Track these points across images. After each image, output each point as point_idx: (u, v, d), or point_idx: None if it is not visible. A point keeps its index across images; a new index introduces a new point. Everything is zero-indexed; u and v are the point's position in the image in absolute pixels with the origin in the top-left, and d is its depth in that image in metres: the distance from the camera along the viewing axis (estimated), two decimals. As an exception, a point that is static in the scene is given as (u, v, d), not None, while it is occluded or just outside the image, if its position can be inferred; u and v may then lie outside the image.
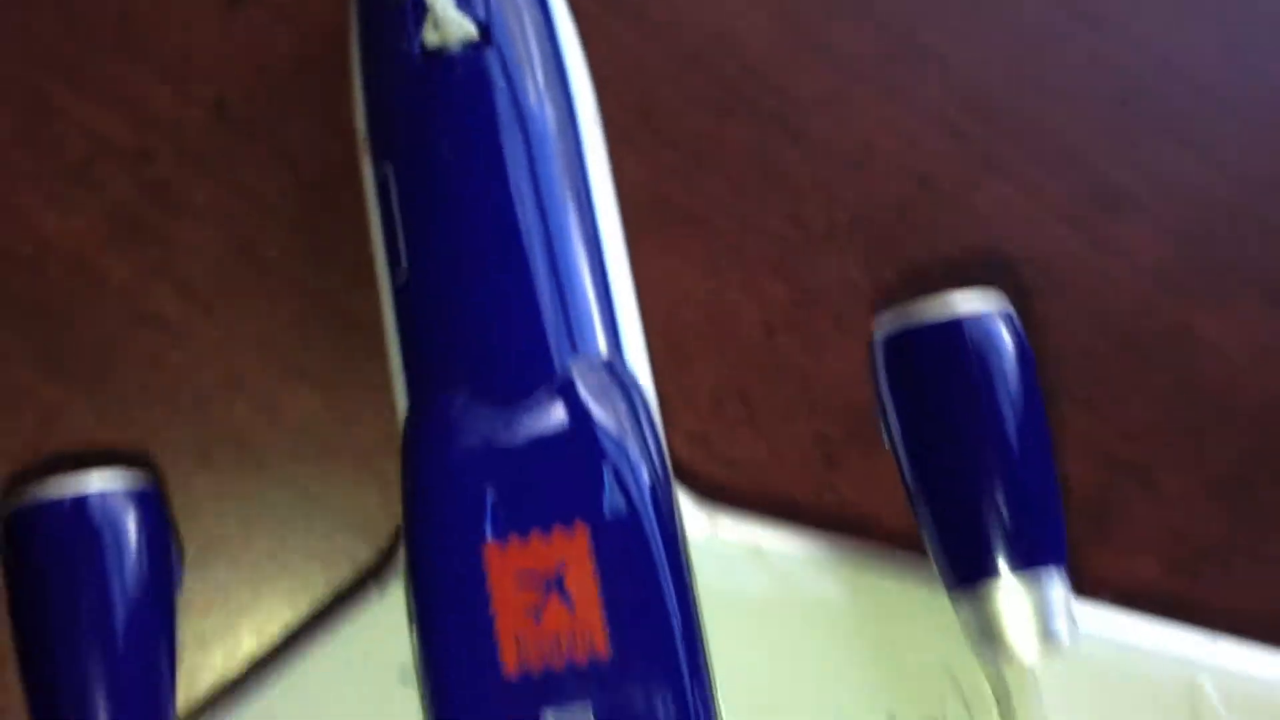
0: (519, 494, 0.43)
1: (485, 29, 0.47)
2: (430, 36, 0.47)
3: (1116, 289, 0.62)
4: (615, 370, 0.46)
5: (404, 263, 0.47)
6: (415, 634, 0.44)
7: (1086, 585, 0.51)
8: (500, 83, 0.47)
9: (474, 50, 0.47)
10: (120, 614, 0.43)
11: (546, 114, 0.48)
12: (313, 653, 0.46)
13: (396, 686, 0.45)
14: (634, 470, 0.44)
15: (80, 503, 0.44)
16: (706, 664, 0.44)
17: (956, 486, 0.44)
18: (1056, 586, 0.43)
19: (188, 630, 0.49)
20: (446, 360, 0.46)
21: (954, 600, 0.44)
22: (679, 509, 0.46)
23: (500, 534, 0.43)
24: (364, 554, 0.53)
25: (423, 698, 0.44)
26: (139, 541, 0.44)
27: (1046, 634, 0.43)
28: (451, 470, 0.44)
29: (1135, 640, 0.46)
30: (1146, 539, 0.59)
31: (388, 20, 0.48)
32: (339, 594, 0.49)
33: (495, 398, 0.45)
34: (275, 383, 0.56)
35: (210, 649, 0.51)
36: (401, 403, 0.47)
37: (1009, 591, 0.43)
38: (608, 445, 0.44)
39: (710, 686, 0.44)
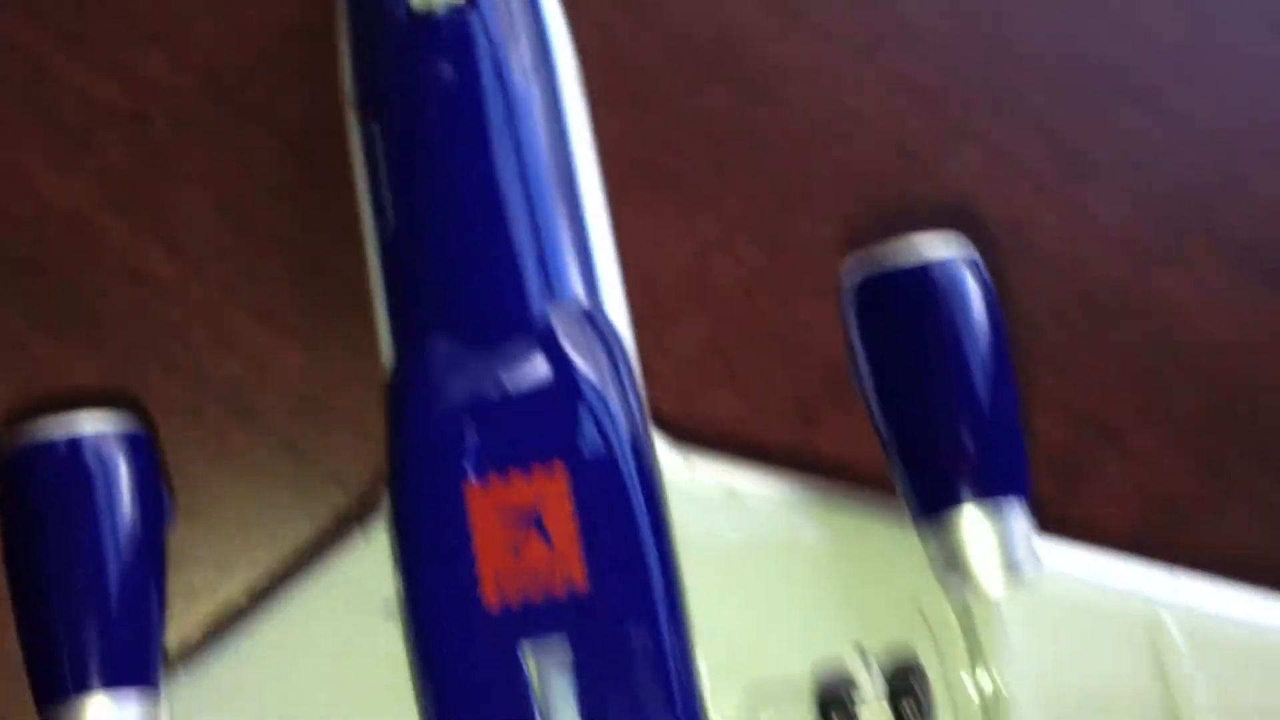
0: (499, 435, 0.45)
1: None
2: (416, 0, 0.49)
3: (1086, 252, 0.63)
4: (593, 317, 0.47)
5: (389, 217, 0.49)
6: (399, 570, 0.45)
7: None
8: (484, 44, 0.49)
9: (459, 13, 0.49)
10: (113, 552, 0.44)
11: (528, 75, 0.49)
12: (300, 592, 0.47)
13: (381, 621, 0.46)
14: (610, 411, 0.45)
15: (74, 444, 0.45)
16: (682, 599, 0.45)
17: (922, 420, 0.45)
18: (1019, 517, 0.44)
19: (176, 579, 0.50)
20: (430, 308, 0.47)
21: (920, 532, 0.45)
22: (655, 450, 0.47)
23: (481, 473, 0.45)
24: (350, 506, 0.54)
25: (406, 631, 0.45)
26: (131, 482, 0.45)
27: (1009, 564, 0.44)
28: (434, 412, 0.45)
29: (1097, 576, 0.47)
30: (1115, 494, 0.60)
31: (375, -16, 0.50)
32: (325, 535, 0.50)
33: (476, 343, 0.46)
34: (265, 341, 0.58)
35: (199, 596, 0.52)
36: (387, 352, 0.49)
37: (972, 520, 0.44)
38: (584, 387, 0.45)
39: (686, 621, 0.45)
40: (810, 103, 0.63)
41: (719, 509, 0.48)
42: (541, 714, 0.43)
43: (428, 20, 0.49)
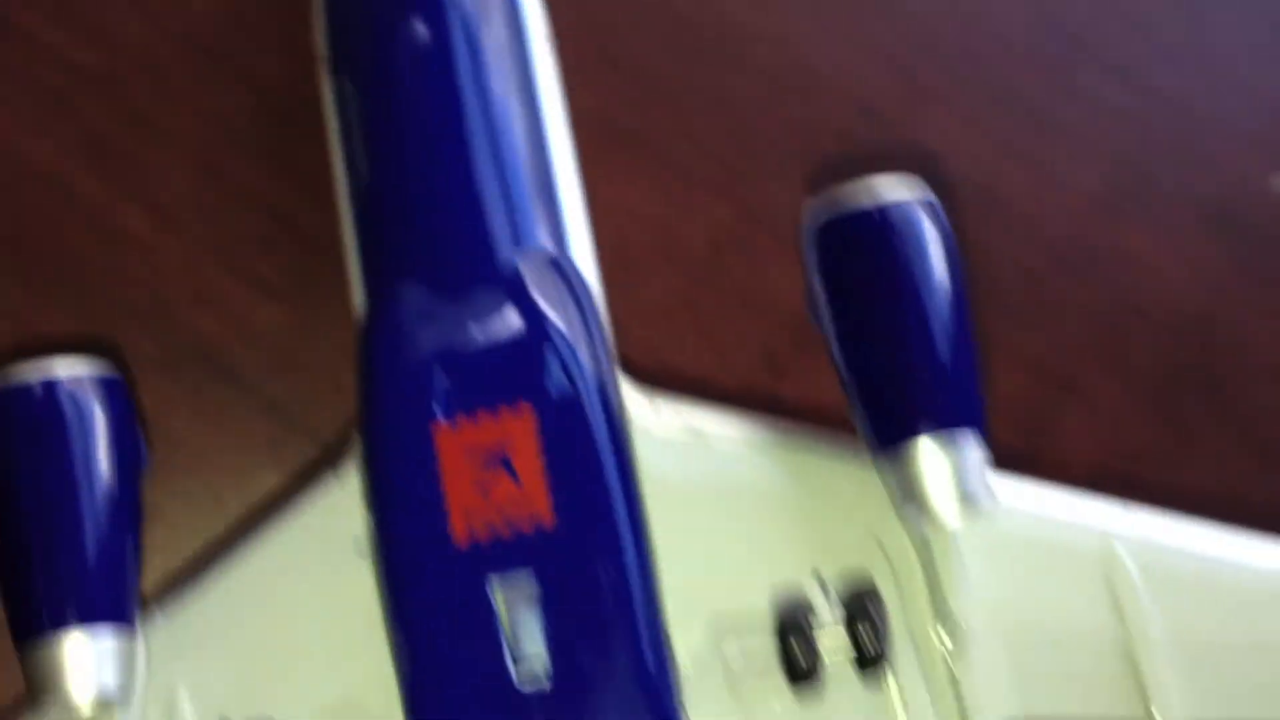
0: (467, 378, 0.46)
1: None
2: None
3: (1052, 212, 0.64)
4: (560, 265, 0.48)
5: (360, 171, 0.50)
6: (370, 509, 0.46)
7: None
8: (454, 2, 0.50)
9: None
10: (88, 493, 0.45)
11: (496, 30, 0.50)
12: (273, 533, 0.48)
13: (352, 559, 0.47)
14: (576, 354, 0.46)
15: (50, 387, 0.46)
16: (646, 535, 0.46)
17: (879, 356, 0.46)
18: (973, 449, 0.45)
19: (150, 530, 0.50)
20: (400, 257, 0.48)
21: (879, 466, 0.46)
22: (620, 392, 0.48)
23: (450, 415, 0.46)
24: (322, 456, 0.55)
25: (376, 568, 0.46)
26: (107, 424, 0.46)
27: (965, 494, 0.45)
28: (404, 356, 0.46)
29: (1053, 511, 0.48)
30: (1076, 444, 0.62)
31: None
32: (297, 481, 0.51)
33: (446, 290, 0.47)
34: (240, 297, 0.59)
35: (172, 545, 0.53)
36: (359, 302, 0.50)
37: (928, 452, 0.45)
38: (551, 331, 0.46)
39: (650, 555, 0.46)
40: (778, 66, 0.64)
41: (684, 450, 0.49)
42: (509, 647, 0.44)
43: None
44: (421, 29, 0.49)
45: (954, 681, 0.46)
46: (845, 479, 0.48)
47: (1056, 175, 0.65)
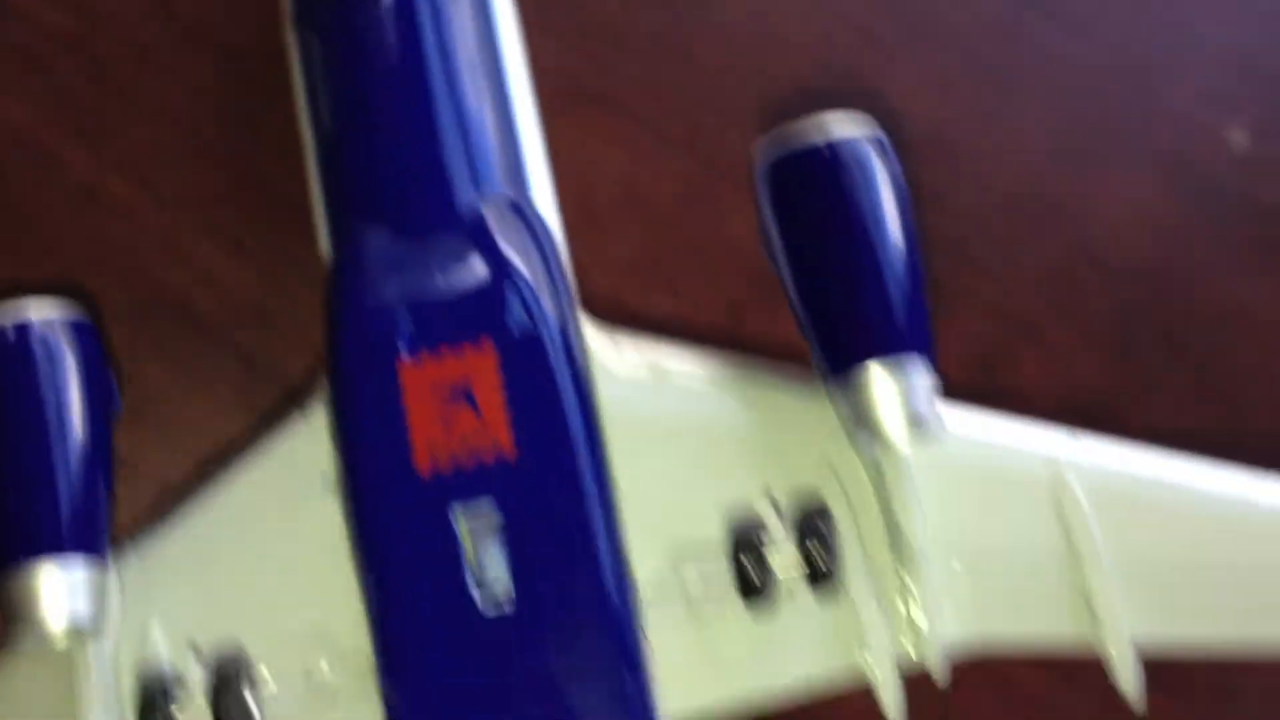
0: (431, 316, 0.47)
1: None
2: None
3: (1007, 164, 0.66)
4: (520, 208, 0.50)
5: (324, 121, 0.51)
6: (336, 443, 0.48)
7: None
8: None
9: None
10: (59, 429, 0.46)
11: None
12: (242, 471, 0.49)
13: (320, 494, 0.48)
14: (536, 291, 0.48)
15: (23, 328, 0.47)
16: (605, 465, 0.47)
17: (830, 285, 0.47)
18: (921, 373, 0.46)
19: (124, 474, 0.51)
20: (364, 204, 0.50)
21: (831, 395, 0.47)
22: (581, 328, 0.49)
23: (413, 351, 0.47)
24: (292, 401, 0.56)
25: (343, 500, 0.47)
26: (77, 364, 0.47)
27: (913, 416, 0.46)
28: (368, 296, 0.48)
29: (1002, 438, 0.50)
30: (1033, 386, 0.63)
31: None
32: (265, 424, 0.52)
33: (409, 233, 0.48)
34: (213, 254, 0.60)
35: (147, 487, 0.54)
36: (326, 249, 0.51)
37: (878, 377, 0.46)
38: (511, 269, 0.48)
39: (609, 485, 0.47)
40: (739, 22, 0.66)
41: (645, 387, 0.50)
42: (472, 573, 0.45)
43: None
44: None
45: (907, 601, 0.47)
46: (803, 411, 0.49)
47: (1012, 128, 0.66)
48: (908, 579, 0.47)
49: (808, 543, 0.46)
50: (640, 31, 0.65)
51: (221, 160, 0.61)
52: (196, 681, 0.46)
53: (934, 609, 0.47)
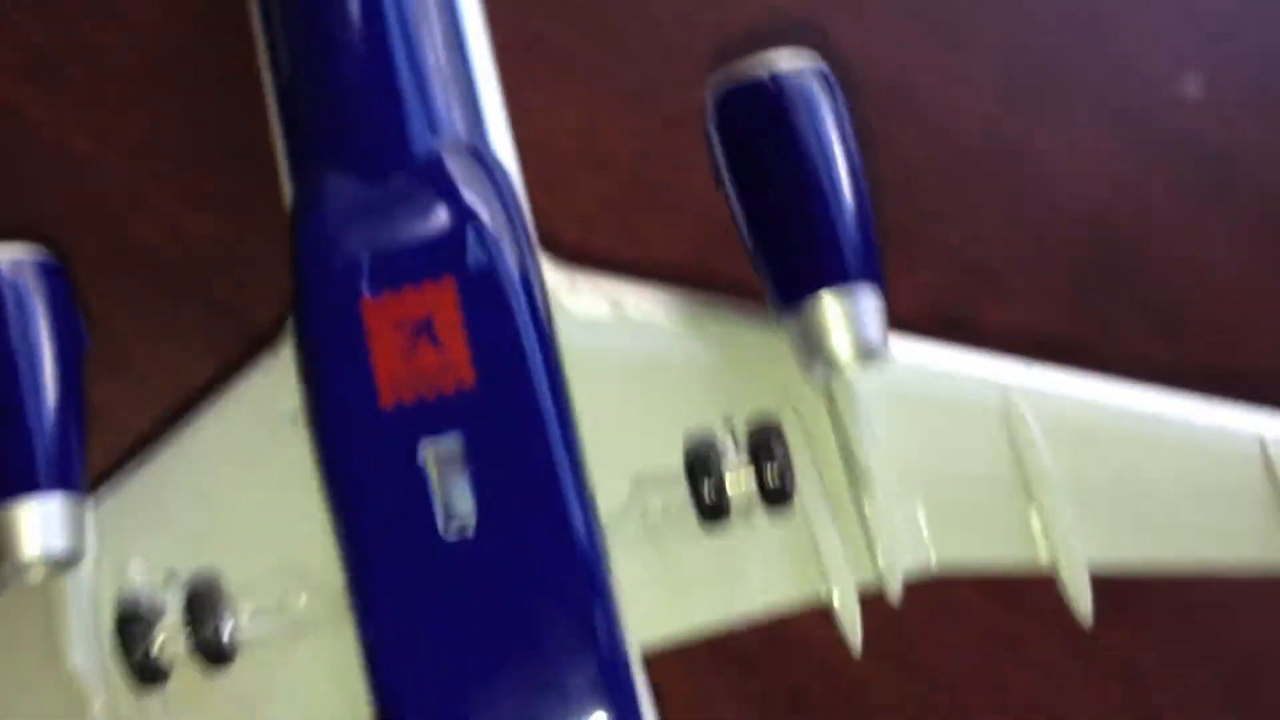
0: (391, 255, 0.48)
1: None
2: None
3: (960, 113, 0.67)
4: (477, 150, 0.51)
5: (283, 66, 0.52)
6: (303, 381, 0.49)
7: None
8: None
9: None
10: (30, 368, 0.47)
11: None
12: (213, 411, 0.50)
13: (289, 432, 0.49)
14: (493, 228, 0.49)
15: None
16: (565, 395, 0.48)
17: (779, 218, 0.48)
18: (871, 300, 0.47)
19: (95, 420, 0.52)
20: (323, 146, 0.51)
21: (785, 327, 0.48)
22: (539, 264, 0.50)
23: (375, 290, 0.48)
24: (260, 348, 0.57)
25: (311, 435, 0.48)
26: (47, 304, 0.48)
27: (864, 343, 0.47)
28: (331, 237, 0.49)
29: (952, 367, 0.51)
30: (995, 332, 0.64)
31: None
32: (233, 366, 0.53)
33: (369, 176, 0.49)
34: (178, 206, 0.61)
35: (118, 433, 0.55)
36: (289, 194, 0.52)
37: (829, 306, 0.47)
38: (469, 208, 0.49)
39: (570, 415, 0.48)
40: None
41: (604, 326, 0.51)
42: (439, 501, 0.46)
43: None
44: None
45: (863, 524, 0.48)
46: (761, 344, 0.50)
47: (966, 79, 0.67)
48: (864, 503, 0.48)
49: (763, 462, 0.47)
50: (596, -14, 0.66)
51: (187, 117, 0.62)
52: (174, 607, 0.47)
53: (888, 532, 0.48)
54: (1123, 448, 0.50)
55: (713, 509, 0.47)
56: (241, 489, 0.49)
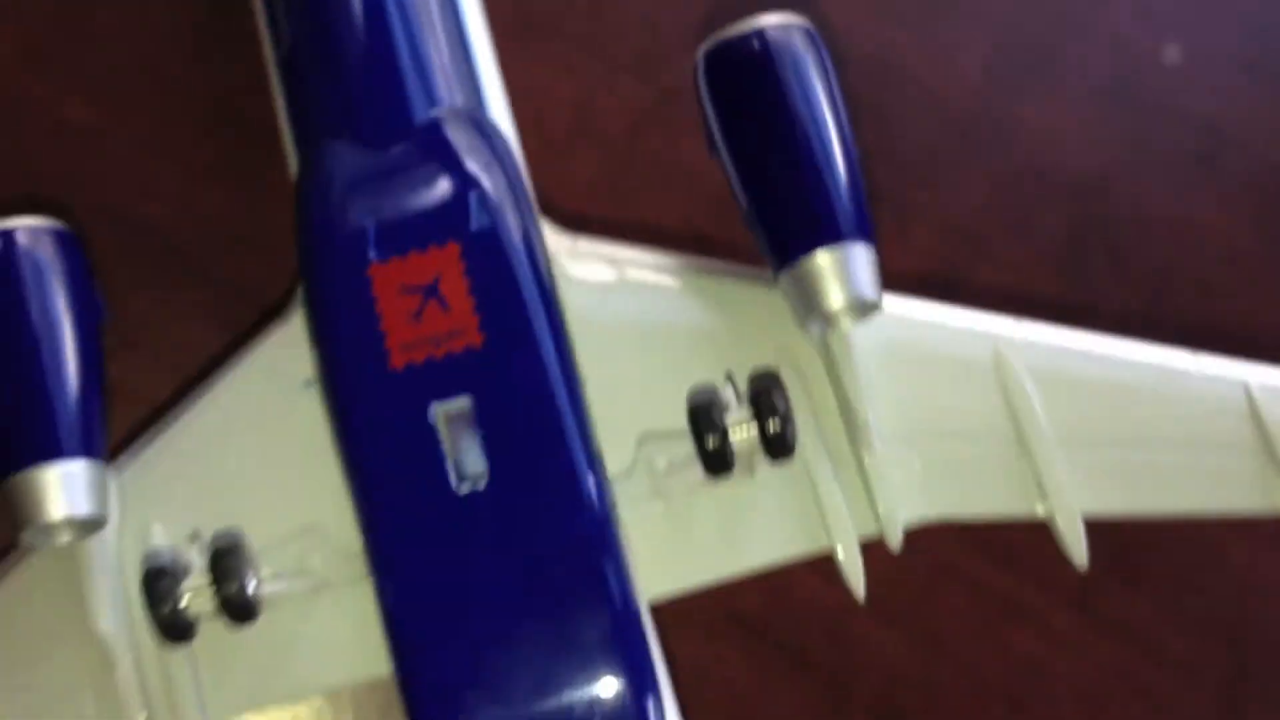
0: (396, 222, 0.49)
1: None
2: None
3: (949, 85, 0.68)
4: (476, 118, 0.52)
5: (284, 39, 0.53)
6: (315, 347, 0.50)
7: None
8: None
9: None
10: (50, 336, 0.48)
11: None
12: (226, 378, 0.51)
13: (303, 398, 0.50)
14: (495, 193, 0.50)
15: (7, 237, 0.49)
16: (570, 353, 0.49)
17: (771, 179, 0.49)
18: (863, 255, 0.48)
19: (111, 395, 0.53)
20: (325, 116, 0.52)
21: (781, 285, 0.49)
22: (539, 226, 0.52)
23: (383, 256, 0.49)
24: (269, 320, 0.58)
25: (325, 400, 0.49)
26: (65, 272, 0.49)
27: (858, 297, 0.48)
28: (336, 206, 0.50)
29: (945, 323, 0.52)
30: (987, 300, 0.65)
31: None
32: (244, 338, 0.54)
33: (370, 143, 0.51)
34: (185, 183, 0.62)
35: (134, 406, 0.56)
36: (294, 164, 0.53)
37: (823, 263, 0.48)
38: (470, 174, 0.50)
39: (575, 373, 0.49)
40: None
41: (606, 285, 0.52)
42: (450, 458, 0.47)
43: None
44: None
45: (863, 475, 0.49)
46: (761, 304, 0.51)
47: (953, 50, 0.68)
48: (863, 455, 0.49)
49: (764, 412, 0.48)
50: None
51: (191, 93, 0.63)
52: (199, 565, 0.48)
53: (887, 481, 0.49)
54: (1112, 397, 0.51)
55: (717, 457, 0.47)
56: (258, 455, 0.50)
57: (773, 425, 0.47)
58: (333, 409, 0.49)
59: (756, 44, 0.49)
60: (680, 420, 0.49)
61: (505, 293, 0.49)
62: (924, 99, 0.68)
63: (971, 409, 0.50)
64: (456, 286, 0.48)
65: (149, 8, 0.64)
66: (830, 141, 0.48)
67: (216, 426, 0.51)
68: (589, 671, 0.46)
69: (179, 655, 0.48)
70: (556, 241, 0.53)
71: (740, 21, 0.50)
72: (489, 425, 0.47)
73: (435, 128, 0.51)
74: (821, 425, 0.50)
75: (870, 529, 0.50)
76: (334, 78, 0.52)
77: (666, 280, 0.52)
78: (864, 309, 0.48)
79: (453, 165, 0.50)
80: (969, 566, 0.62)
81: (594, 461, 0.48)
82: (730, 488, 0.49)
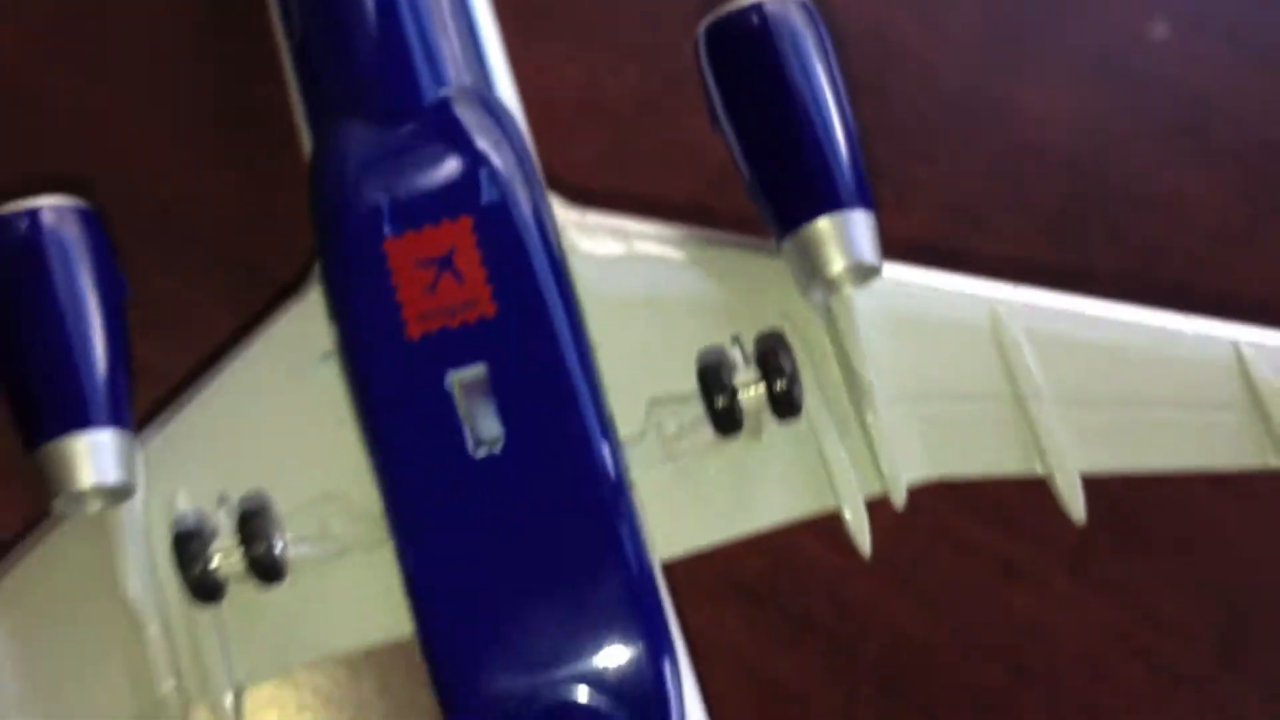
0: (410, 198, 0.51)
1: None
2: None
3: (943, 64, 0.70)
4: (484, 97, 0.54)
5: (295, 24, 0.55)
6: (333, 320, 0.51)
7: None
8: None
9: None
10: (76, 309, 0.49)
11: None
12: (246, 351, 0.53)
13: (323, 370, 0.52)
14: (504, 168, 0.51)
15: (33, 214, 0.50)
16: (580, 321, 0.51)
17: (772, 149, 0.50)
18: (863, 221, 0.49)
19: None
20: (338, 98, 0.54)
21: (784, 253, 0.51)
22: (547, 198, 0.53)
23: (398, 230, 0.50)
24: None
25: (343, 367, 0.51)
26: (89, 248, 0.50)
27: (857, 261, 0.49)
28: (351, 184, 0.51)
29: (943, 288, 0.53)
30: (984, 271, 0.67)
31: None
32: (261, 316, 0.55)
33: (382, 122, 0.52)
34: (198, 170, 0.63)
35: (154, 383, 0.57)
36: (308, 146, 0.54)
37: (824, 230, 0.49)
38: (478, 148, 0.51)
39: (586, 340, 0.51)
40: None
41: (614, 256, 0.53)
42: (466, 423, 0.49)
43: None
44: None
45: (866, 434, 0.50)
46: (764, 274, 0.52)
47: (947, 27, 0.70)
48: (866, 415, 0.50)
49: (771, 372, 0.49)
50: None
51: (202, 82, 0.64)
52: (227, 528, 0.49)
53: (890, 442, 0.50)
54: (1106, 357, 0.52)
55: (726, 416, 0.49)
56: (278, 425, 0.52)
57: (779, 384, 0.49)
58: (352, 379, 0.50)
59: (756, 19, 0.51)
60: (688, 385, 0.50)
61: (517, 263, 0.50)
62: (921, 75, 0.69)
63: (970, 371, 0.52)
64: (470, 258, 0.50)
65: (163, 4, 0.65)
66: (829, 111, 0.50)
67: (238, 400, 0.52)
68: (605, 630, 0.48)
69: (206, 620, 0.50)
70: (565, 215, 0.54)
71: (739, 2, 0.52)
72: (504, 391, 0.49)
73: (445, 106, 0.52)
74: (825, 389, 0.51)
75: (874, 489, 0.51)
76: (346, 61, 0.53)
77: (672, 251, 0.54)
78: (865, 273, 0.49)
79: (463, 142, 0.52)
80: (968, 530, 0.64)
81: (606, 424, 0.50)
82: (738, 450, 0.51)
